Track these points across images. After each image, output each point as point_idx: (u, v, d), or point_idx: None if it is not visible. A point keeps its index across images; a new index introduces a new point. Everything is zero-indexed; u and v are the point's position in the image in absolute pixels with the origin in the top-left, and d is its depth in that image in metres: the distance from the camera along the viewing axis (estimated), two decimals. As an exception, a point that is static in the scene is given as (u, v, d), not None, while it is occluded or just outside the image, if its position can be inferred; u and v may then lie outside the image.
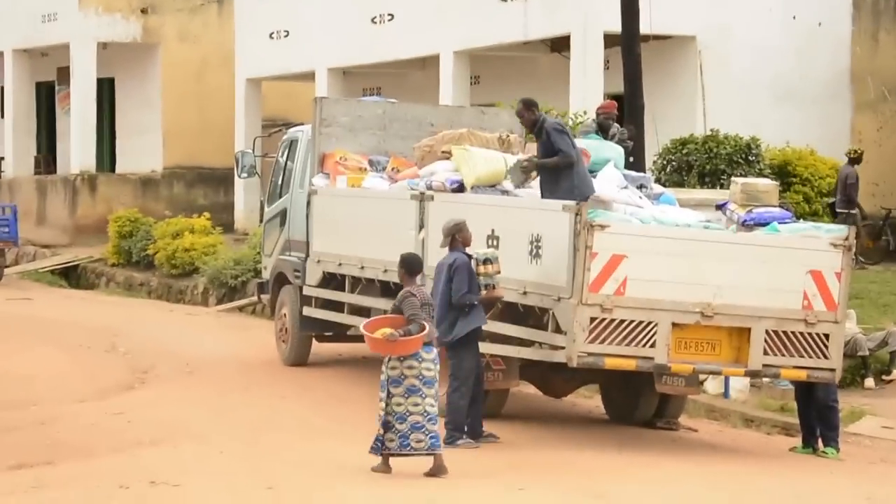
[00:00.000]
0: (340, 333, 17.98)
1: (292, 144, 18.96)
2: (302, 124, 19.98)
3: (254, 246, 25.18)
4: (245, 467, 11.74)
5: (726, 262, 12.88)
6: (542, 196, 13.80)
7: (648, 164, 20.47)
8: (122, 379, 17.09)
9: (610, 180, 14.06)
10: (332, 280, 17.20)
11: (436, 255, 14.43)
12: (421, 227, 15.16)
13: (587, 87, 23.46)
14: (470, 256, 13.06)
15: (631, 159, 16.68)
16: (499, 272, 12.98)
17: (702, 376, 14.90)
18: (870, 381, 17.00)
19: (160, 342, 20.07)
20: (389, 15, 27.79)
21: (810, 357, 13.01)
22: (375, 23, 28.06)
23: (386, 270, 15.72)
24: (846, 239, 13.10)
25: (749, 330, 12.86)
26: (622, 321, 12.58)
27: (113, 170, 35.24)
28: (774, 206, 13.95)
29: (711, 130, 21.59)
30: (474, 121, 17.55)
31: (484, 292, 12.98)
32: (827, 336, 13.02)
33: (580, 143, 14.96)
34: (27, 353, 18.55)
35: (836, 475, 12.79)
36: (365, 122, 17.78)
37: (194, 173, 34.34)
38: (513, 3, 24.81)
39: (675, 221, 13.38)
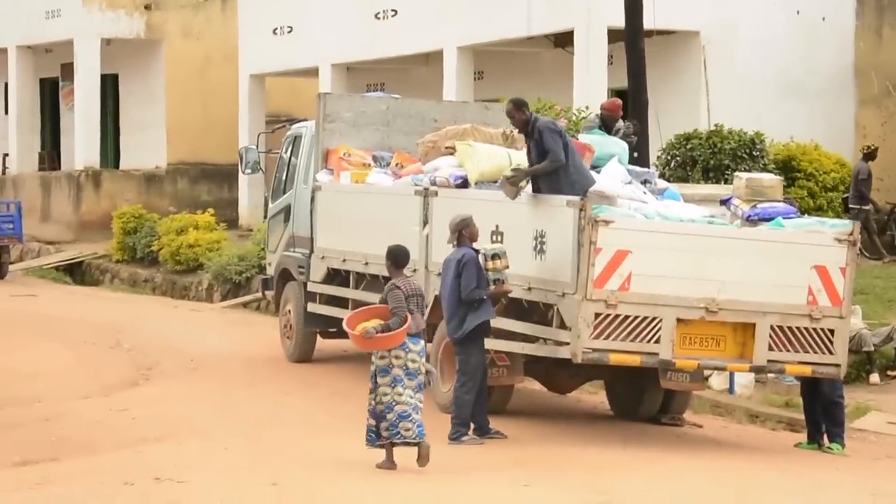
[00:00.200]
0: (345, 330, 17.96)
1: (296, 140, 18.95)
2: (305, 120, 19.98)
3: (258, 242, 25.19)
4: (249, 464, 11.75)
5: (731, 258, 12.87)
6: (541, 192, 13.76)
7: (652, 159, 20.43)
8: (127, 375, 17.11)
9: (614, 175, 14.02)
10: (336, 276, 17.20)
11: (440, 251, 14.47)
12: (425, 222, 15.17)
13: (591, 82, 23.44)
14: (477, 251, 13.05)
15: (635, 154, 16.66)
16: (507, 267, 12.98)
17: (706, 372, 14.90)
18: (875, 377, 16.96)
19: (164, 338, 20.09)
20: (393, 10, 27.76)
21: (815, 353, 13.00)
22: (379, 18, 28.04)
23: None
24: (851, 234, 13.08)
25: (754, 325, 12.85)
26: (627, 317, 12.58)
27: (117, 166, 35.23)
28: (779, 202, 13.93)
29: (715, 125, 21.56)
30: (478, 116, 17.52)
31: (493, 287, 12.97)
32: (832, 331, 13.01)
33: (584, 138, 14.97)
34: (31, 349, 18.58)
35: (841, 471, 12.78)
36: (368, 117, 17.77)
37: (198, 169, 34.33)
38: (516, -3, 24.81)
39: (680, 217, 13.35)
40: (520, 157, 14.22)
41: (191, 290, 27.48)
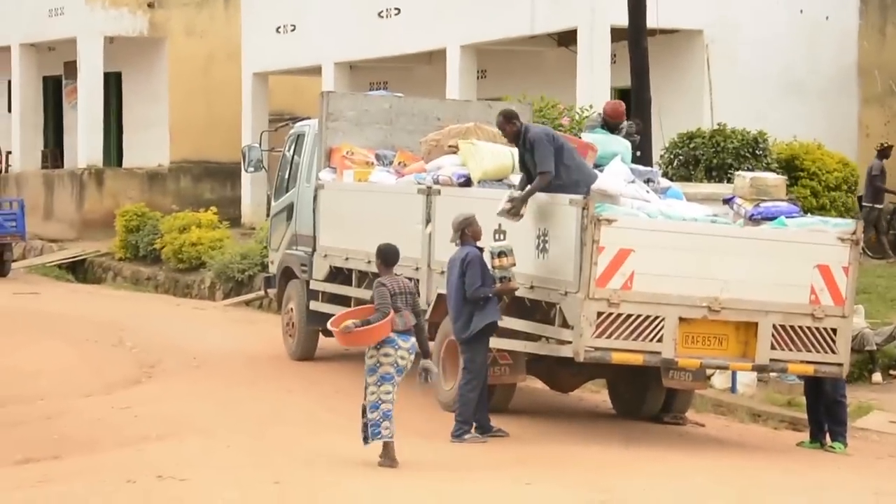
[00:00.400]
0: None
1: (299, 139, 18.95)
2: (308, 118, 19.97)
3: (261, 240, 25.20)
4: (252, 462, 11.74)
5: (733, 257, 12.88)
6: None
7: (655, 158, 20.42)
8: (129, 373, 17.11)
9: (617, 174, 14.03)
10: (338, 274, 17.20)
11: (443, 249, 14.48)
12: (428, 221, 15.18)
13: (594, 81, 23.43)
14: (481, 250, 13.05)
15: (638, 153, 16.65)
16: (514, 265, 12.99)
17: (709, 371, 14.90)
18: (877, 376, 16.97)
19: (167, 336, 20.09)
20: (396, 9, 27.77)
21: (818, 352, 13.01)
22: (382, 17, 28.04)
23: (392, 265, 15.72)
24: (854, 233, 13.08)
25: (756, 324, 12.85)
26: (629, 315, 12.59)
27: (120, 164, 35.25)
28: (783, 201, 13.92)
29: (718, 125, 21.54)
30: (481, 115, 17.51)
31: (499, 285, 12.97)
32: (834, 331, 13.01)
33: (587, 137, 14.95)
34: (34, 347, 18.58)
35: (843, 470, 12.78)
36: (371, 116, 17.77)
37: (201, 167, 34.34)
38: (520, -4, 24.80)
39: (683, 216, 13.36)
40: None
41: (193, 288, 27.49)
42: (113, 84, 35.13)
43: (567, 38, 25.11)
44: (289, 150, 19.22)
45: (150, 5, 34.11)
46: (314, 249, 17.67)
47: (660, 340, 12.66)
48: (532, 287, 13.26)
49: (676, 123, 22.09)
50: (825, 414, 13.90)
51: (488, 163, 14.71)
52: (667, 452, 12.90)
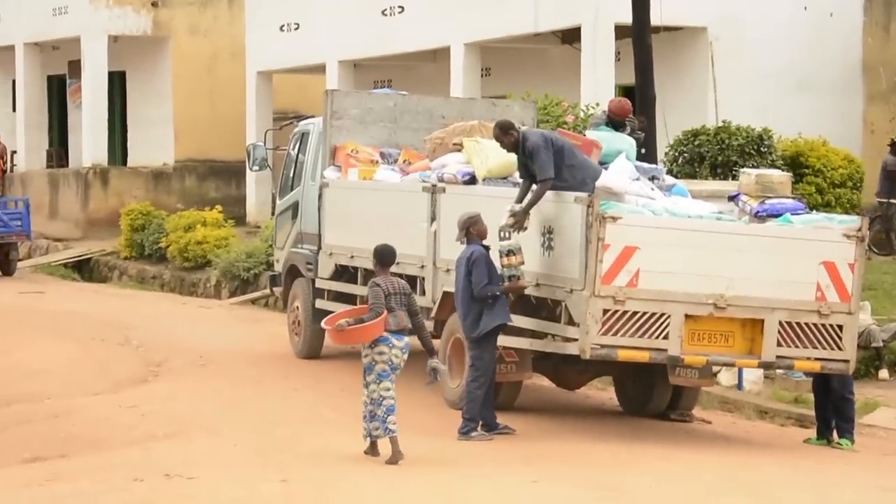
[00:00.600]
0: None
1: (303, 137, 18.96)
2: (313, 117, 19.97)
3: (266, 239, 25.21)
4: (259, 460, 11.76)
5: (739, 254, 12.88)
6: None
7: (660, 155, 20.44)
8: (136, 372, 17.10)
9: (622, 172, 14.02)
10: (344, 272, 17.20)
11: (448, 247, 14.50)
12: (433, 219, 15.18)
13: (598, 78, 23.46)
14: (487, 248, 13.06)
15: (643, 151, 16.63)
16: (523, 263, 12.99)
17: (715, 368, 14.90)
18: (884, 373, 16.99)
19: (173, 335, 20.08)
20: (400, 7, 27.78)
21: (824, 348, 13.01)
22: (386, 15, 28.06)
23: (398, 263, 15.65)
24: (859, 230, 13.08)
25: (762, 321, 12.86)
26: (635, 313, 12.59)
27: (124, 163, 35.29)
28: (788, 198, 13.92)
29: (723, 122, 21.55)
30: (486, 113, 17.52)
31: (508, 283, 12.98)
32: (841, 327, 13.02)
33: (591, 134, 14.94)
34: (40, 346, 18.56)
35: (850, 466, 12.79)
36: (376, 114, 17.76)
37: (206, 166, 34.37)
38: (524, -7, 24.80)
39: (688, 213, 13.36)
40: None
41: (199, 286, 27.51)
42: (117, 83, 35.17)
43: (571, 36, 25.13)
44: (293, 149, 19.23)
45: (154, 4, 34.15)
46: (319, 248, 17.66)
47: (666, 338, 12.65)
48: (538, 285, 13.26)
49: (681, 121, 22.10)
50: (832, 410, 13.91)
51: (493, 160, 14.71)
52: (673, 450, 12.90)
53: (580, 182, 13.27)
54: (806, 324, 12.93)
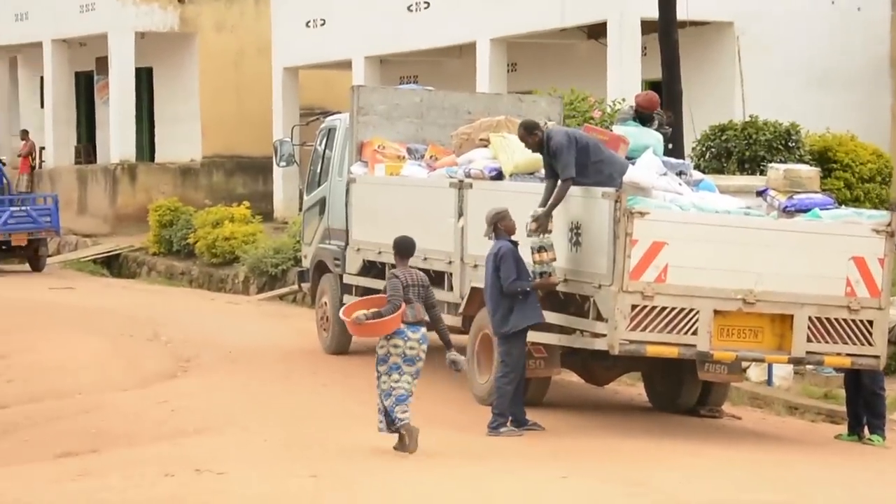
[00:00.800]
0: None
1: (330, 133, 18.97)
2: (339, 113, 19.98)
3: (293, 234, 25.25)
4: (288, 455, 11.78)
5: (768, 249, 12.83)
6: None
7: (687, 150, 20.38)
8: (165, 368, 17.16)
9: (649, 167, 13.96)
10: (371, 268, 17.20)
11: (475, 243, 14.50)
12: (460, 214, 15.17)
13: (624, 73, 23.41)
14: (515, 244, 13.04)
15: (670, 146, 16.58)
16: (554, 259, 12.99)
17: (744, 364, 14.85)
18: (914, 367, 16.89)
19: (202, 331, 20.14)
20: (425, 2, 27.78)
21: (854, 344, 12.96)
22: (412, 10, 28.06)
23: (426, 258, 15.71)
24: (889, 225, 13.02)
25: (792, 317, 12.82)
26: (664, 308, 12.57)
27: (152, 159, 35.37)
28: (817, 193, 13.86)
29: (750, 116, 21.48)
30: (512, 108, 17.51)
31: (539, 280, 12.96)
32: (871, 322, 12.96)
33: (618, 129, 14.90)
34: (70, 342, 18.62)
35: (882, 463, 12.76)
36: (402, 110, 17.77)
37: (233, 162, 34.43)
38: (550, -11, 24.77)
39: (716, 208, 13.31)
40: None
41: (227, 282, 27.57)
42: (144, 79, 35.25)
43: (597, 31, 25.08)
44: (320, 145, 19.25)
45: (181, 1, 34.20)
46: (347, 243, 17.67)
47: (695, 333, 12.62)
48: (566, 280, 13.24)
49: (708, 116, 22.04)
50: (864, 406, 13.84)
51: (519, 156, 14.68)
52: (703, 445, 12.88)
53: (607, 177, 13.25)
54: (836, 319, 12.88)
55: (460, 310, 15.09)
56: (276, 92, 31.95)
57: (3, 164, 31.71)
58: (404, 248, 12.30)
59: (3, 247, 28.06)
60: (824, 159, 21.34)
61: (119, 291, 26.31)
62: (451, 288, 15.37)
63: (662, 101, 18.26)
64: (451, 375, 15.60)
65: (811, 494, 10.77)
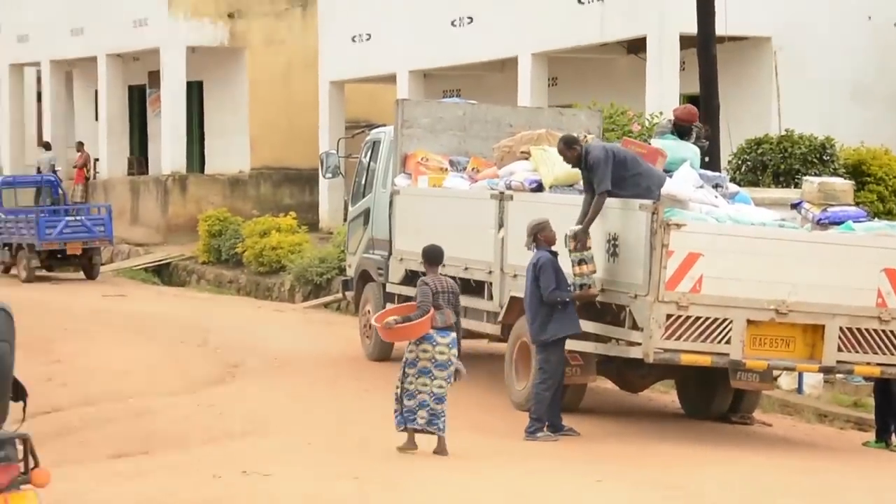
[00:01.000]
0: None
1: (375, 145, 19.07)
2: (384, 126, 20.10)
3: (338, 244, 25.34)
4: (332, 458, 11.85)
5: (801, 261, 12.83)
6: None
7: (724, 163, 20.38)
8: (214, 373, 17.23)
9: (686, 180, 14.00)
10: (414, 277, 17.18)
11: (515, 253, 14.57)
12: (500, 225, 15.24)
13: (663, 88, 23.41)
14: (555, 254, 13.14)
15: (706, 159, 16.61)
16: (594, 272, 13.07)
17: (776, 372, 14.85)
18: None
19: (249, 337, 20.20)
20: (469, 18, 27.86)
21: (884, 354, 12.94)
22: (455, 26, 28.15)
23: (467, 268, 15.85)
24: (920, 237, 13.04)
25: (823, 327, 12.81)
26: (698, 318, 12.59)
27: (202, 170, 35.56)
28: (850, 206, 13.87)
29: (786, 130, 21.46)
30: (552, 122, 17.55)
31: (579, 291, 13.07)
32: (901, 333, 12.98)
33: (656, 142, 14.95)
34: (123, 347, 18.75)
35: (909, 469, 12.76)
36: (445, 123, 17.81)
37: (280, 174, 34.58)
38: (590, 5, 24.79)
39: (751, 220, 13.32)
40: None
41: (274, 290, 27.70)
42: (195, 93, 35.47)
43: (636, 46, 25.10)
44: (365, 157, 19.34)
45: (231, 16, 34.41)
46: (390, 253, 17.75)
47: (728, 342, 12.65)
48: (602, 290, 13.31)
49: (744, 129, 22.01)
50: (892, 415, 13.86)
51: (559, 169, 14.72)
52: (735, 452, 12.90)
53: (645, 189, 13.30)
54: (866, 329, 12.87)
55: (499, 318, 15.18)
56: (323, 105, 32.09)
57: (59, 176, 32.02)
58: (433, 255, 12.49)
59: (59, 255, 28.26)
60: (858, 172, 21.28)
61: (170, 299, 26.44)
62: (490, 297, 15.46)
63: (700, 115, 18.34)
64: (490, 382, 15.79)
65: (839, 501, 10.82)
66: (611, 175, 13.24)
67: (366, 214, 18.91)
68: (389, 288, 17.69)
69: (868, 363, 13.00)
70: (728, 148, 21.19)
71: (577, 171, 14.13)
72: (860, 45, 24.84)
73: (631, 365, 13.85)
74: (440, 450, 11.98)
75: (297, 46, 34.39)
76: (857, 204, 15.03)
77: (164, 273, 31.11)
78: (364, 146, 19.56)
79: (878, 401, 14.05)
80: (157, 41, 33.97)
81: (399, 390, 12.00)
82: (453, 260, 16.04)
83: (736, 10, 21.06)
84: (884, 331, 12.93)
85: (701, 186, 13.92)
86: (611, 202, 13.35)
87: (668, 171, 14.14)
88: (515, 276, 14.63)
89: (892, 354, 12.97)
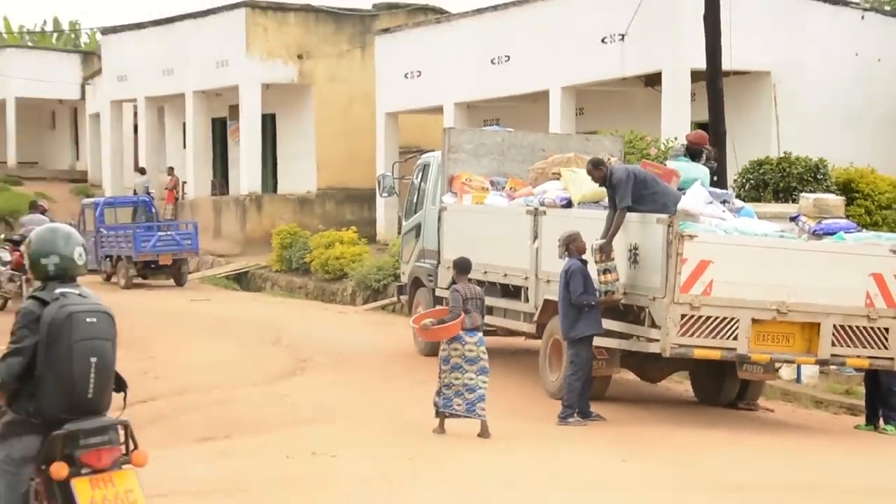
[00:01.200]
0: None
1: (425, 168, 19.08)
2: (433, 151, 20.10)
3: (393, 254, 25.35)
4: (389, 441, 11.86)
5: (799, 267, 12.77)
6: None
7: (730, 182, 20.28)
8: (286, 367, 17.24)
9: (697, 196, 13.94)
10: (459, 283, 17.25)
11: (548, 261, 14.55)
12: (535, 237, 15.22)
13: (676, 116, 23.35)
14: (584, 262, 13.11)
15: (715, 178, 16.54)
16: (617, 280, 13.04)
17: (777, 364, 14.77)
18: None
19: (316, 336, 20.19)
20: (506, 56, 27.86)
21: (872, 348, 12.87)
22: (494, 63, 28.16)
23: (506, 275, 15.82)
24: (904, 246, 12.95)
25: (819, 325, 12.75)
26: (709, 317, 12.54)
27: (275, 191, 35.64)
28: (842, 218, 13.77)
29: (784, 153, 21.33)
30: (580, 146, 17.52)
31: (604, 297, 13.04)
32: (887, 329, 12.87)
33: (671, 164, 14.91)
34: (208, 344, 18.78)
35: (894, 448, 12.61)
36: (486, 148, 17.81)
37: (343, 193, 34.62)
38: (611, 44, 24.74)
39: (754, 231, 13.26)
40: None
41: (337, 295, 27.71)
42: (269, 124, 35.56)
43: (653, 80, 25.04)
44: (416, 178, 19.36)
45: (300, 57, 34.49)
46: (439, 262, 17.75)
47: (735, 338, 12.60)
48: (625, 293, 13.27)
49: (748, 152, 21.91)
50: (880, 401, 13.74)
51: (586, 187, 14.71)
52: (741, 434, 12.84)
53: (662, 206, 13.27)
54: (857, 327, 12.80)
55: (535, 318, 15.15)
56: (379, 133, 32.12)
57: (152, 197, 32.19)
58: (463, 266, 12.59)
59: (152, 265, 28.38)
60: (848, 189, 21.13)
61: (247, 303, 26.50)
62: (526, 300, 15.43)
63: (709, 140, 18.24)
64: (526, 374, 15.74)
65: (834, 477, 10.73)
66: (631, 193, 13.23)
67: (417, 228, 18.91)
68: (438, 292, 17.70)
69: (858, 356, 12.93)
70: (734, 168, 21.11)
71: (602, 189, 14.10)
72: (848, 78, 24.73)
73: (650, 358, 13.79)
74: (483, 432, 11.97)
75: (356, 83, 34.44)
76: (847, 217, 14.93)
77: (242, 280, 31.20)
78: (415, 169, 19.57)
79: (868, 389, 13.94)
80: (237, 80, 34.10)
81: (440, 384, 12.08)
82: (494, 267, 16.05)
83: (739, 49, 21.00)
84: (872, 328, 12.85)
85: (710, 202, 13.87)
86: (631, 216, 13.32)
87: (682, 189, 14.11)
88: (548, 281, 14.60)
89: (880, 348, 12.89)
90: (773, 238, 13.16)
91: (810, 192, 18.53)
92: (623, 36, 24.33)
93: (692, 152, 15.20)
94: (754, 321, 12.65)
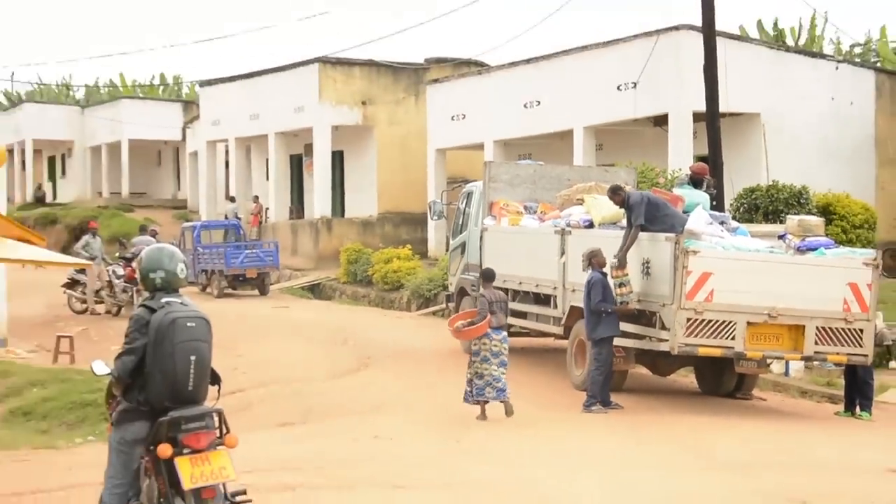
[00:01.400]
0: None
1: (469, 195, 19.05)
2: (475, 181, 20.07)
3: (442, 268, 25.33)
4: (441, 427, 11.83)
5: (786, 277, 12.67)
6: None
7: (727, 206, 20.15)
8: (352, 363, 17.24)
9: (699, 218, 13.84)
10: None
11: (573, 274, 14.49)
12: (562, 253, 15.16)
13: (680, 150, 23.27)
14: (605, 274, 13.04)
15: (714, 203, 16.43)
16: (631, 292, 12.99)
17: (769, 360, 14.62)
18: (893, 364, 16.51)
19: (377, 337, 20.18)
20: (537, 101, 27.85)
21: (849, 346, 12.74)
22: (527, 107, 28.15)
23: (537, 285, 15.75)
24: (874, 260, 12.83)
25: (804, 326, 12.64)
26: (710, 321, 12.46)
27: (343, 215, 35.77)
28: (822, 236, 13.64)
29: (773, 181, 21.19)
30: (599, 177, 17.45)
31: (619, 307, 12.97)
32: (861, 331, 12.74)
33: (677, 191, 14.80)
34: (287, 344, 18.86)
35: (868, 432, 12.47)
36: (521, 178, 17.79)
37: (400, 217, 34.68)
38: (626, 91, 24.67)
39: (748, 248, 13.16)
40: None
41: (395, 302, 27.72)
42: (338, 159, 35.71)
43: (661, 120, 24.96)
44: (461, 204, 19.34)
45: (364, 103, 34.60)
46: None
47: (733, 338, 12.50)
48: (639, 301, 13.19)
49: (741, 181, 21.81)
50: (856, 391, 13.57)
51: (606, 211, 14.66)
52: (738, 420, 12.71)
53: (670, 226, 13.20)
54: (836, 328, 12.67)
55: (562, 322, 15.08)
56: (430, 166, 32.17)
57: (240, 220, 32.36)
58: (489, 275, 12.82)
59: (240, 278, 28.48)
60: (827, 212, 20.97)
61: (320, 309, 26.52)
62: (555, 306, 15.36)
63: (709, 170, 18.12)
64: (556, 369, 15.65)
65: (816, 454, 10.60)
66: (644, 213, 13.18)
67: (462, 246, 18.89)
68: (480, 300, 17.61)
69: (838, 353, 12.80)
70: (730, 194, 20.98)
71: (619, 212, 14.05)
72: (826, 118, 24.62)
73: (661, 356, 13.69)
74: (508, 410, 12.04)
75: (411, 124, 34.53)
76: (826, 235, 14.76)
77: (315, 290, 31.29)
78: (461, 196, 19.56)
79: (847, 381, 13.79)
80: (311, 123, 34.27)
81: (470, 375, 12.14)
82: (527, 279, 15.99)
83: (735, 94, 20.90)
84: (849, 329, 12.73)
85: (711, 223, 13.78)
86: (643, 235, 13.25)
87: (686, 212, 14.01)
88: (574, 290, 14.54)
89: (856, 346, 12.77)
90: (765, 253, 13.05)
91: (795, 214, 18.36)
92: (636, 84, 24.26)
93: (695, 181, 15.10)
94: (749, 323, 12.55)
